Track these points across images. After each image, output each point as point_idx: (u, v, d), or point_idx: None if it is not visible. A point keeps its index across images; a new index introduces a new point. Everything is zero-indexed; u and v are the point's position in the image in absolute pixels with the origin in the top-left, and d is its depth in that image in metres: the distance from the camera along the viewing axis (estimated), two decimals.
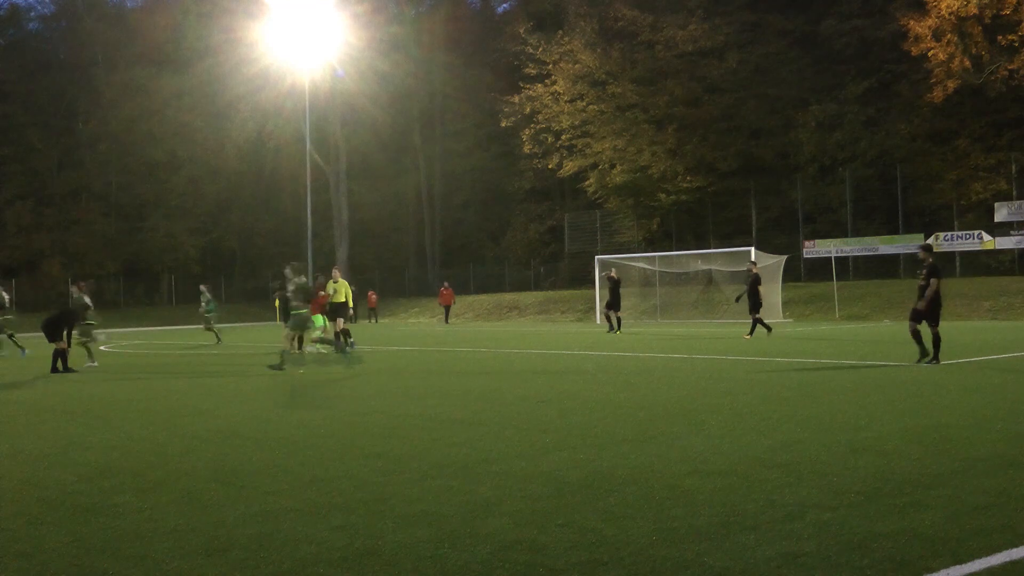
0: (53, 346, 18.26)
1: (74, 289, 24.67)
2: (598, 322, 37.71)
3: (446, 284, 43.88)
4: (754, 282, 23.30)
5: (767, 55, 47.82)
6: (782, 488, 5.96)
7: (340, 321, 20.74)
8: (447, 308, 42.19)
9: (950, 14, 38.58)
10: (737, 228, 46.95)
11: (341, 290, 20.99)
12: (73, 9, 67.23)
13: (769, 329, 23.22)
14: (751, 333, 22.84)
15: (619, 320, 28.05)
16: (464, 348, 22.55)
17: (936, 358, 14.24)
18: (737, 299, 24.56)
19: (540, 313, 43.58)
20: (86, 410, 11.64)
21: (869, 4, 46.02)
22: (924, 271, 14.47)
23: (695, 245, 45.66)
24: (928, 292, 14.23)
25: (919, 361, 14.32)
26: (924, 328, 14.47)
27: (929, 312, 14.30)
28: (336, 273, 21.68)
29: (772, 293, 35.04)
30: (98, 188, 62.77)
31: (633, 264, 40.24)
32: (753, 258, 30.33)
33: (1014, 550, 4.53)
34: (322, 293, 20.63)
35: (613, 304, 28.01)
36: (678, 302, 39.00)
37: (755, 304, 22.99)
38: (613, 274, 28.83)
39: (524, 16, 57.30)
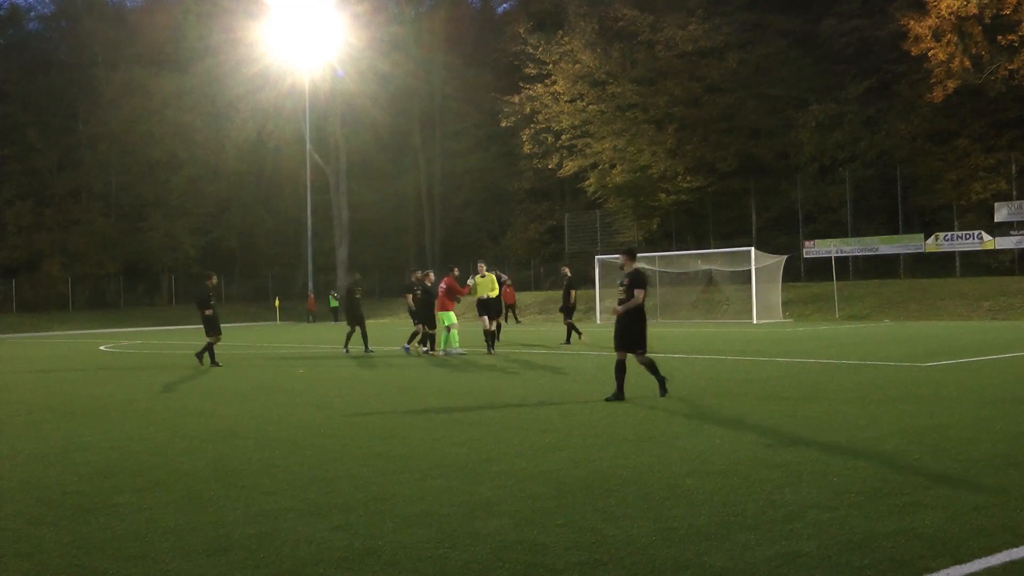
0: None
1: None
2: (598, 322, 37.68)
3: (508, 281, 39.37)
4: (568, 287, 22.61)
5: (767, 55, 47.80)
6: (782, 488, 5.96)
7: (486, 319, 20.26)
8: (510, 306, 38.57)
9: (950, 14, 38.56)
10: (737, 228, 46.94)
11: (488, 284, 20.45)
12: (73, 9, 67.22)
13: (580, 334, 22.21)
14: (568, 340, 22.19)
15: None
16: (463, 348, 22.49)
17: (662, 388, 10.90)
18: (561, 308, 23.55)
19: (540, 313, 43.56)
20: (86, 410, 11.64)
21: (869, 4, 45.99)
22: (625, 280, 10.92)
23: (695, 245, 45.64)
24: (630, 305, 10.71)
25: (611, 399, 10.76)
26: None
27: (634, 335, 10.76)
28: (482, 267, 21.00)
29: (772, 293, 35.05)
30: (98, 188, 62.78)
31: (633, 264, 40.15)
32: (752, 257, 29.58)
33: (1014, 550, 4.53)
34: (468, 284, 20.31)
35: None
36: (678, 302, 38.99)
37: (567, 309, 22.31)
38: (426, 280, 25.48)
39: (524, 16, 57.29)
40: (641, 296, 10.72)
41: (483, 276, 20.67)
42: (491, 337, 20.18)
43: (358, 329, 21.73)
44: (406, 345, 20.87)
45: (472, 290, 20.47)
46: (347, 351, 21.54)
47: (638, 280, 10.83)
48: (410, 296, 20.64)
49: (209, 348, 18.65)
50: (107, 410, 11.54)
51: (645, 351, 10.81)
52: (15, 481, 7.04)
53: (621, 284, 11.07)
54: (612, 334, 11.01)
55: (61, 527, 5.54)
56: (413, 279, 20.96)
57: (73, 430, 9.77)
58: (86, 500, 6.26)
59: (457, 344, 19.74)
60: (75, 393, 13.93)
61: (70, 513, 5.90)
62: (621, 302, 10.86)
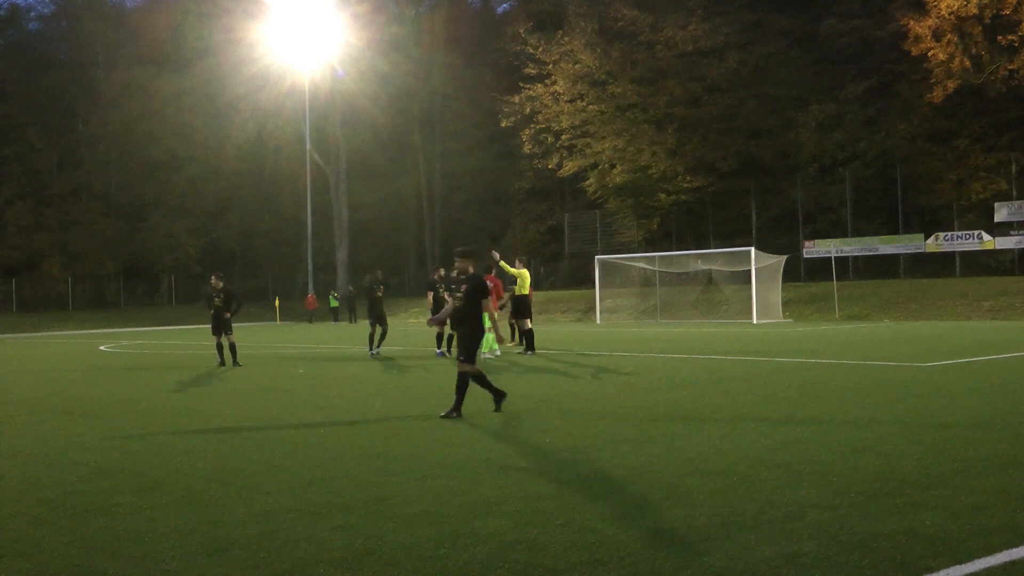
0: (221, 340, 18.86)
1: None
2: (599, 322, 37.70)
3: None
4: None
5: (767, 55, 47.83)
6: (782, 488, 5.96)
7: (527, 321, 19.17)
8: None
9: (950, 14, 38.59)
10: (737, 228, 46.96)
11: (524, 281, 19.13)
12: (73, 9, 67.27)
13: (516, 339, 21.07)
14: (514, 337, 21.24)
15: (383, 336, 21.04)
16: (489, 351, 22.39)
17: (497, 402, 10.18)
18: (501, 306, 22.76)
19: (540, 313, 43.54)
20: (86, 410, 11.64)
21: (869, 4, 46.03)
22: (462, 286, 9.99)
23: (695, 245, 45.65)
24: (491, 309, 10.26)
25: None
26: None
27: (467, 344, 9.92)
28: (519, 262, 19.74)
29: (772, 293, 35.06)
30: (98, 188, 62.83)
31: (633, 264, 40.25)
32: (751, 257, 29.62)
33: (1014, 550, 4.53)
34: (512, 289, 19.20)
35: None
36: (678, 302, 39.00)
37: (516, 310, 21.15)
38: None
39: (524, 16, 57.29)
40: (489, 305, 9.96)
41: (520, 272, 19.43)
42: (530, 337, 19.16)
43: (378, 328, 20.68)
44: (439, 351, 19.48)
45: (518, 289, 19.32)
46: (375, 352, 20.24)
47: (481, 287, 9.90)
48: (431, 295, 19.66)
49: (218, 347, 18.78)
50: (107, 410, 11.53)
51: (473, 363, 9.91)
52: (15, 481, 7.03)
53: (456, 289, 10.14)
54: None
55: (61, 527, 5.54)
56: (435, 276, 20.05)
57: (73, 430, 9.76)
58: (86, 500, 6.25)
59: (488, 348, 18.94)
60: (75, 393, 13.92)
61: (70, 513, 5.90)
62: (457, 309, 10.04)
